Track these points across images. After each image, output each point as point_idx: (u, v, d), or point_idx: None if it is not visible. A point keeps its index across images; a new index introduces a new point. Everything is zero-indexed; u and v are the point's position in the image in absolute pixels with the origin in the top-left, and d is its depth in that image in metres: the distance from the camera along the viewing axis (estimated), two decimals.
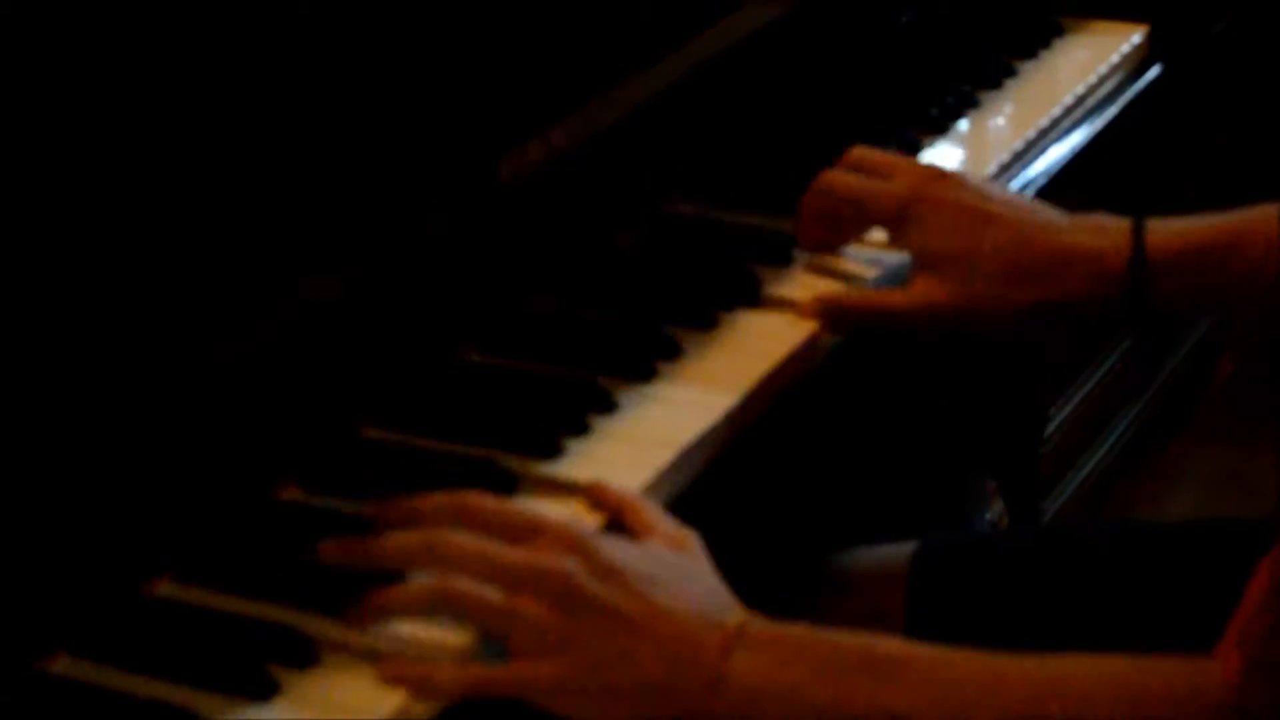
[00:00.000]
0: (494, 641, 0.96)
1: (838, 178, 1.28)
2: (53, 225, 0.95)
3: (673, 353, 1.19)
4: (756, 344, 1.21)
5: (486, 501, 1.01)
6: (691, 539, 1.02)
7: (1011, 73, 1.61)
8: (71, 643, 0.96)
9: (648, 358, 1.17)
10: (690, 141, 1.40)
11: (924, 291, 1.22)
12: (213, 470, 1.02)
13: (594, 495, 1.05)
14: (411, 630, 0.96)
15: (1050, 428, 2.28)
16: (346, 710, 0.91)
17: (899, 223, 1.24)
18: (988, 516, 2.03)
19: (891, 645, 0.96)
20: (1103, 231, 1.21)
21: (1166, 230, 1.20)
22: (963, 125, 1.51)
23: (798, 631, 0.97)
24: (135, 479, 0.98)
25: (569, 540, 0.97)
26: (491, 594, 0.96)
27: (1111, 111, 1.58)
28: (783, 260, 1.29)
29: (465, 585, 0.96)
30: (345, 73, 1.10)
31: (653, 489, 1.07)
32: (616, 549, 0.98)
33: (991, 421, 2.00)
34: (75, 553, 0.96)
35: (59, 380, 0.95)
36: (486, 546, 0.97)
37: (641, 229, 1.34)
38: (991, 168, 1.43)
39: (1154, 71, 1.65)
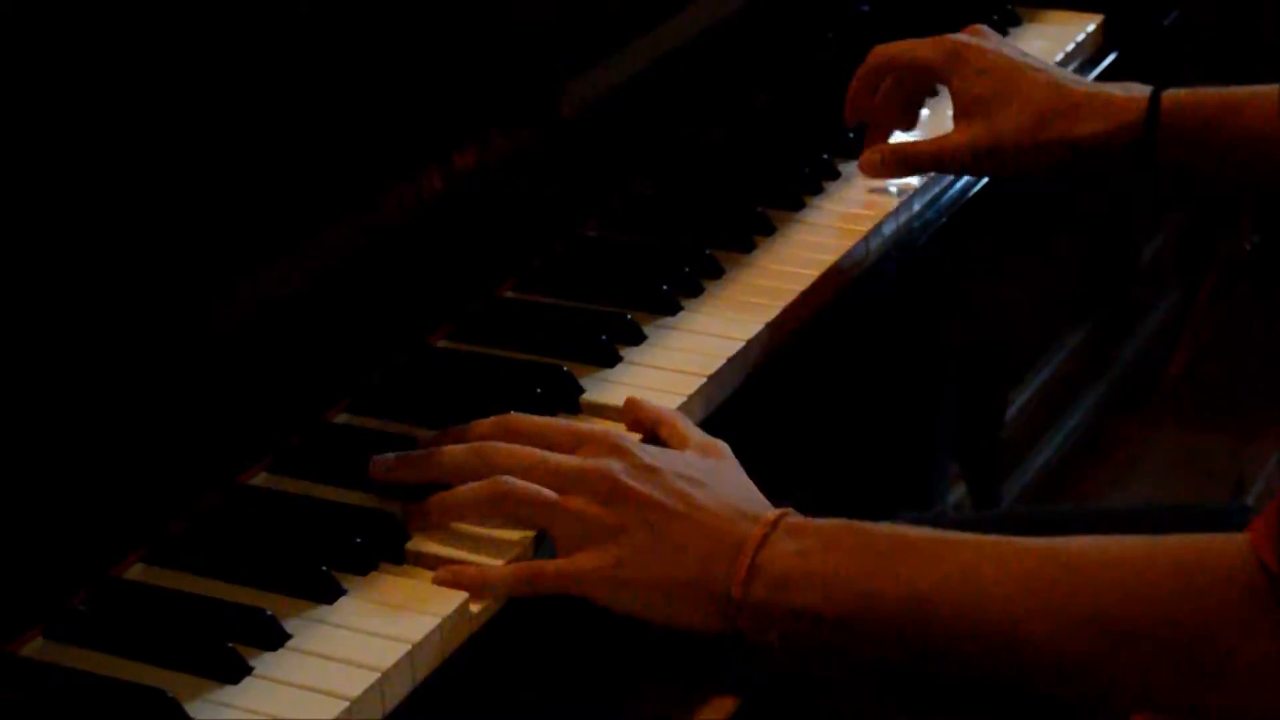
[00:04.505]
0: (542, 553, 1.02)
1: (892, 44, 1.40)
2: (15, 215, 0.96)
3: (637, 338, 1.20)
4: (720, 328, 1.23)
5: (531, 417, 1.07)
6: (723, 447, 1.07)
7: None
8: (43, 626, 0.97)
9: (610, 343, 1.19)
10: (654, 130, 1.42)
11: (963, 131, 1.35)
12: (183, 454, 1.03)
13: (630, 411, 1.11)
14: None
15: (1011, 412, 2.30)
16: (317, 690, 0.92)
17: (947, 64, 1.36)
18: (951, 499, 2.06)
19: (920, 531, 0.99)
20: (1125, 86, 1.34)
21: (1183, 90, 1.32)
22: (923, 114, 1.52)
23: (832, 522, 1.01)
24: (106, 463, 0.99)
25: (611, 445, 1.03)
26: (541, 489, 1.01)
27: None
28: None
29: (516, 482, 1.01)
30: (300, 70, 1.11)
31: None
32: (655, 453, 1.04)
33: (955, 407, 2.02)
34: (47, 536, 0.97)
35: (27, 361, 0.96)
36: (534, 452, 1.03)
37: (602, 215, 1.36)
38: None
39: (1109, 60, 1.67)
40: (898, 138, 1.43)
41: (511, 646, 1.02)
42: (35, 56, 0.95)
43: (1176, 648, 0.89)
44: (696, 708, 1.14)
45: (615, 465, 1.01)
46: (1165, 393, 2.58)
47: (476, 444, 1.04)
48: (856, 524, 1.00)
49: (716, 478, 1.03)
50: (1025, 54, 1.38)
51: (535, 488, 1.01)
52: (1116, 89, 1.34)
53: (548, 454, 1.03)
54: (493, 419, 1.06)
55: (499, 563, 1.01)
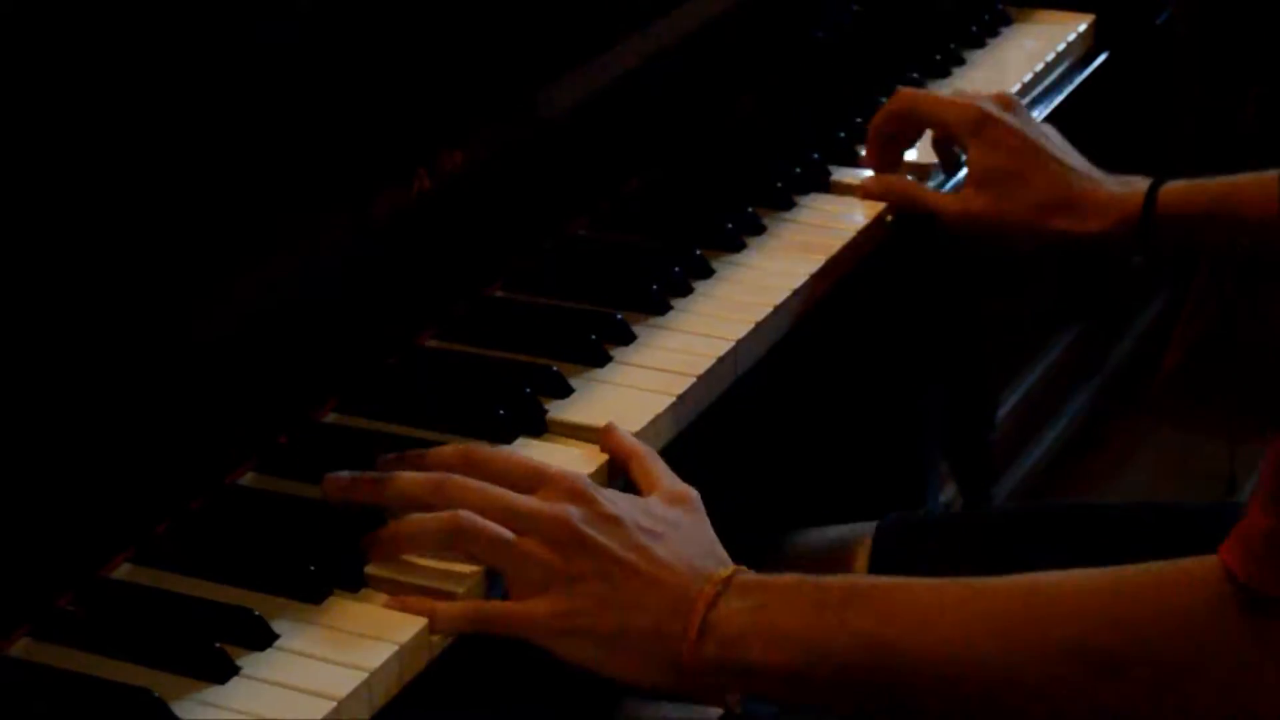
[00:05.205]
0: (496, 586, 1.00)
1: (922, 94, 1.43)
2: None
3: (627, 337, 1.20)
4: (710, 328, 1.22)
5: (493, 451, 1.04)
6: (692, 496, 1.05)
7: (960, 61, 1.63)
8: (31, 625, 0.97)
9: (600, 343, 1.19)
10: (645, 130, 1.42)
11: (969, 199, 1.38)
12: (171, 454, 1.03)
13: (605, 439, 1.08)
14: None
15: (1002, 412, 2.30)
16: (305, 690, 0.92)
17: (970, 131, 1.39)
18: (942, 499, 2.05)
19: (872, 579, 0.97)
20: (1128, 184, 1.36)
21: (1180, 184, 1.35)
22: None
23: (784, 578, 0.99)
24: (94, 463, 0.99)
25: (572, 489, 1.00)
26: (499, 529, 0.98)
27: (1058, 99, 1.61)
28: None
29: (475, 518, 0.99)
30: (290, 73, 1.11)
31: (599, 472, 1.08)
32: (618, 501, 1.01)
33: (945, 406, 2.02)
34: (34, 537, 0.96)
35: (13, 362, 0.95)
36: (492, 489, 1.00)
37: (591, 215, 1.36)
38: None
39: (1100, 60, 1.68)
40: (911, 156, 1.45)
41: (499, 648, 1.01)
42: (17, 54, 0.94)
43: (1154, 672, 0.88)
44: (683, 717, 1.13)
45: (574, 512, 0.99)
46: (1156, 392, 2.58)
47: (435, 475, 1.01)
48: (809, 577, 0.98)
49: (678, 530, 1.01)
50: (1046, 135, 1.40)
51: (493, 526, 0.98)
52: (1117, 184, 1.36)
53: (506, 492, 1.00)
54: (454, 448, 1.04)
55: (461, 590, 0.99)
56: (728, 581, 0.98)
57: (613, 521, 0.99)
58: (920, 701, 0.94)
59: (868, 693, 0.95)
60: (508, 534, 0.98)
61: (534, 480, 1.02)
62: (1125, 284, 2.62)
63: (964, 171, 1.41)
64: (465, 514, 0.99)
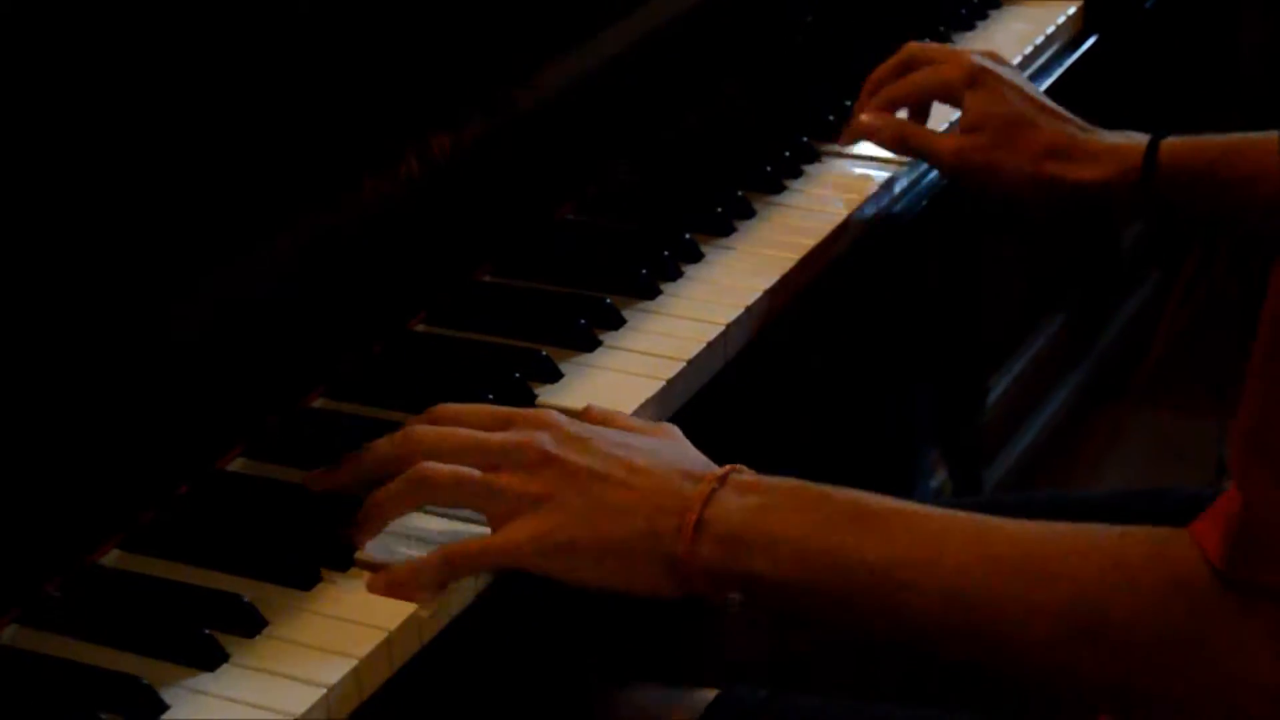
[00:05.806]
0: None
1: (915, 76, 1.41)
2: None
3: (616, 322, 1.20)
4: (699, 312, 1.22)
5: (459, 405, 1.03)
6: (669, 426, 1.04)
7: (950, 44, 1.62)
8: (20, 612, 0.96)
9: (589, 328, 1.18)
10: (634, 113, 1.41)
11: (966, 140, 1.37)
12: (159, 439, 1.03)
13: (584, 418, 1.06)
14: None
15: (992, 398, 2.30)
16: (294, 677, 0.92)
17: (967, 83, 1.38)
18: (933, 485, 2.06)
19: (879, 499, 0.96)
20: (1128, 136, 1.36)
21: (1181, 140, 1.34)
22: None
23: (785, 481, 0.97)
24: (82, 450, 0.99)
25: (540, 419, 1.00)
26: (464, 469, 0.97)
27: (1047, 82, 1.61)
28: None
29: (438, 465, 0.98)
30: (278, 61, 1.10)
31: None
32: (587, 425, 1.01)
33: (935, 393, 2.02)
34: (22, 523, 0.96)
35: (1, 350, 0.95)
36: (457, 432, 1.00)
37: (580, 200, 1.36)
38: None
39: (1089, 43, 1.68)
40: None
41: (489, 635, 1.01)
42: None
43: (1131, 643, 0.88)
44: (674, 703, 1.12)
45: (542, 437, 0.98)
46: (1144, 378, 2.59)
47: (400, 432, 1.01)
48: (812, 485, 0.97)
49: (656, 444, 1.00)
50: (1039, 92, 1.40)
51: (458, 467, 0.97)
52: (1116, 136, 1.35)
53: (472, 432, 0.99)
54: (424, 414, 1.03)
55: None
56: (723, 479, 0.97)
57: (583, 440, 0.98)
58: (917, 631, 0.93)
59: (866, 614, 0.94)
60: (474, 471, 0.97)
61: (501, 421, 1.01)
62: (1113, 270, 2.62)
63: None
64: (429, 463, 0.98)
